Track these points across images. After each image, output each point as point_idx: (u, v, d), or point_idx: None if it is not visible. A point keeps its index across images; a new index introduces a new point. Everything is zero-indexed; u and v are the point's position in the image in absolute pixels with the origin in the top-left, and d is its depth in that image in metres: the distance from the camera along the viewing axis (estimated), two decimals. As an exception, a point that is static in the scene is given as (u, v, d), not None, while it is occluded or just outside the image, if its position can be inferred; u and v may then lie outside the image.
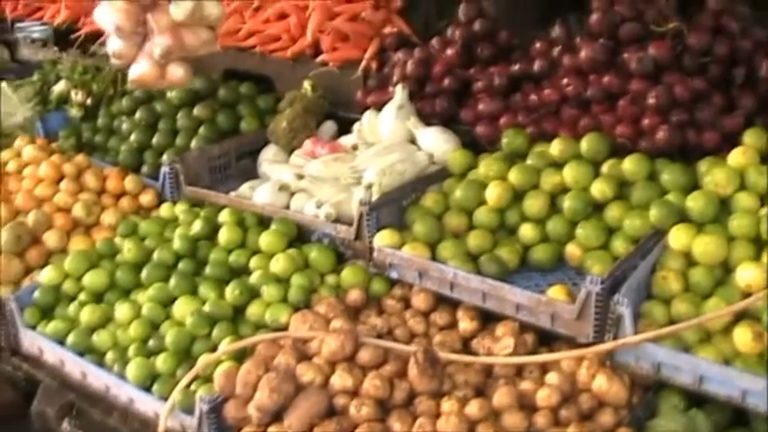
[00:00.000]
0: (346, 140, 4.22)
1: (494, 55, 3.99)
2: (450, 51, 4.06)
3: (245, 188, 4.09)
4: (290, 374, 3.04)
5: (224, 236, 3.73)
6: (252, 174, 4.35)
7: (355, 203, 3.62)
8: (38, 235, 3.96)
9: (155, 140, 4.44)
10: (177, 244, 3.72)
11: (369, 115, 4.15)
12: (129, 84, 3.28)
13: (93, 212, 4.10)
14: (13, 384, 3.94)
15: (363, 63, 4.37)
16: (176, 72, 3.26)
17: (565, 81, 3.72)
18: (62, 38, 5.87)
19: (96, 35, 5.45)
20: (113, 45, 3.26)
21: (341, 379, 3.00)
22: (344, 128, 4.41)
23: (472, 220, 3.58)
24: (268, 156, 4.33)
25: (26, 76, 5.51)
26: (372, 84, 4.35)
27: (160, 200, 4.24)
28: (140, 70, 3.27)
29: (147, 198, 4.23)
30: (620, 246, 3.32)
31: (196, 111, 4.49)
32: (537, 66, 3.84)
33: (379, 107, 4.22)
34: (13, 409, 3.95)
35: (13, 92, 4.82)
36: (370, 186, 3.61)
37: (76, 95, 4.74)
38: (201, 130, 4.40)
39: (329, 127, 4.44)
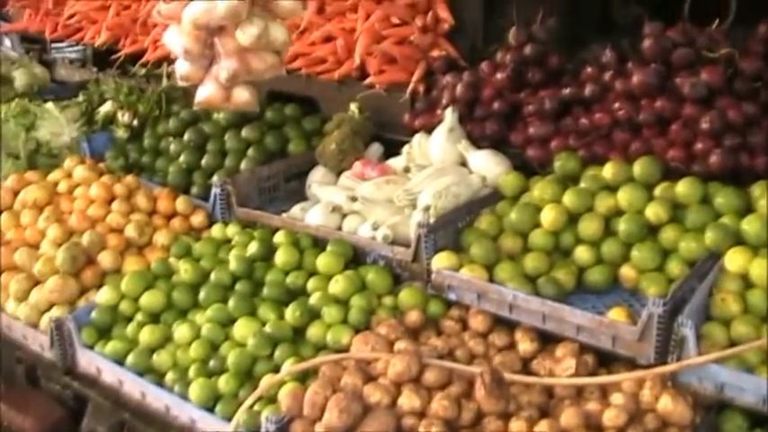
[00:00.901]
0: (395, 162, 4.26)
1: (544, 79, 4.03)
2: (500, 75, 4.10)
3: (296, 210, 4.13)
4: (357, 395, 3.06)
5: (281, 257, 3.76)
6: (300, 195, 4.39)
7: (412, 225, 3.66)
8: (92, 255, 3.98)
9: (204, 161, 4.48)
10: (234, 265, 3.75)
11: (419, 138, 4.19)
12: (196, 105, 3.33)
13: (145, 233, 4.14)
14: (61, 403, 3.95)
15: (411, 86, 4.42)
16: (242, 95, 3.31)
17: (616, 105, 3.76)
18: (100, 58, 5.93)
19: (136, 56, 5.52)
20: (181, 67, 3.31)
21: (409, 400, 3.02)
22: (391, 150, 4.45)
23: (527, 243, 3.61)
24: (317, 177, 4.37)
25: (65, 96, 5.55)
26: (420, 106, 4.39)
27: (210, 221, 4.26)
28: (207, 92, 3.32)
29: (198, 219, 4.26)
30: (674, 268, 3.35)
31: (244, 132, 4.52)
32: (588, 90, 3.88)
33: (427, 130, 4.27)
34: (62, 426, 3.97)
35: (59, 112, 4.86)
36: (427, 209, 3.64)
37: (123, 116, 4.78)
38: (250, 151, 4.44)
39: (376, 149, 4.48)
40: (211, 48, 3.27)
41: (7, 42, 6.93)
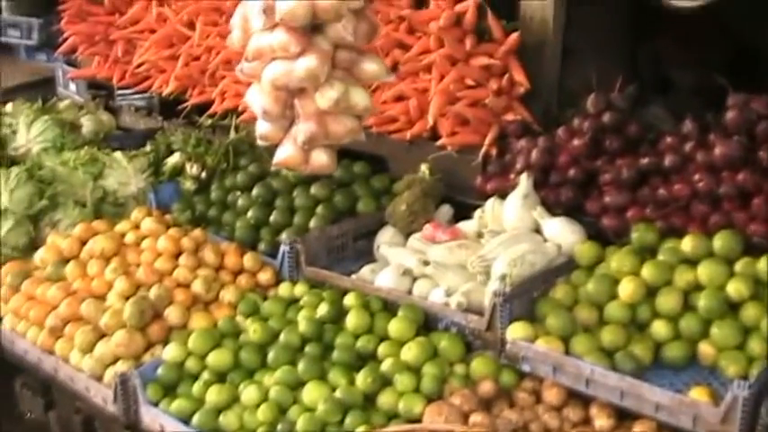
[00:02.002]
0: (466, 226, 4.20)
1: (622, 147, 3.97)
2: (577, 141, 4.04)
3: (366, 271, 4.08)
4: (432, 468, 2.99)
5: (352, 320, 3.70)
6: (368, 255, 4.35)
7: (487, 294, 3.59)
8: (159, 310, 3.95)
9: (272, 218, 4.44)
10: (303, 326, 3.71)
11: (492, 202, 4.13)
12: (273, 165, 3.32)
13: (212, 289, 4.10)
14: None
15: (484, 149, 4.37)
16: (320, 158, 3.28)
17: (696, 177, 3.69)
18: (166, 107, 5.96)
19: (203, 106, 5.53)
20: (261, 127, 3.29)
21: (487, 475, 2.95)
22: (460, 212, 4.40)
23: (603, 314, 3.53)
24: (386, 238, 4.32)
25: (131, 144, 5.57)
26: (492, 170, 4.34)
27: (278, 278, 4.22)
28: (285, 154, 3.29)
29: (265, 276, 4.22)
30: (756, 347, 3.27)
31: (313, 190, 4.49)
32: (668, 160, 3.81)
33: (499, 194, 4.21)
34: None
35: (127, 162, 4.85)
36: (504, 278, 3.58)
37: (191, 168, 4.76)
38: (319, 209, 4.40)
39: (446, 211, 4.43)
40: (291, 109, 3.24)
41: (72, 87, 6.97)
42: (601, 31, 4.98)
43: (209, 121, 5.59)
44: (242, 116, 5.26)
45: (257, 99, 3.24)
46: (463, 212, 4.40)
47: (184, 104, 5.62)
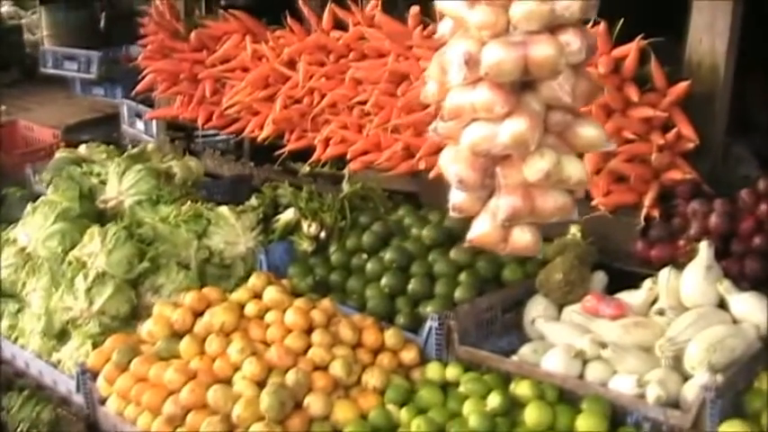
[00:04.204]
0: (631, 299, 3.72)
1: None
2: (764, 206, 3.57)
3: (527, 351, 3.61)
4: None
5: (531, 415, 3.21)
6: (515, 329, 3.91)
7: (692, 387, 3.12)
8: (298, 398, 3.45)
9: (410, 287, 3.93)
10: (474, 421, 3.22)
11: (668, 273, 3.65)
12: (467, 242, 2.83)
13: (353, 372, 3.60)
14: None
15: (644, 210, 3.90)
16: (522, 238, 2.81)
17: None
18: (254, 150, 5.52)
19: (302, 154, 5.08)
20: (455, 197, 2.83)
21: None
22: (615, 281, 3.92)
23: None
24: (539, 310, 3.84)
25: (218, 192, 5.10)
26: (656, 234, 3.88)
27: (422, 358, 3.72)
28: (481, 230, 2.83)
29: (409, 355, 3.71)
30: None
31: (453, 254, 4.00)
32: None
33: (662, 262, 3.74)
34: None
35: (236, 219, 4.36)
36: (712, 368, 3.10)
37: (309, 227, 4.27)
38: (463, 277, 3.91)
39: (600, 279, 3.96)
40: (491, 178, 2.77)
41: (140, 126, 6.50)
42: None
43: (307, 169, 5.13)
44: (350, 165, 4.78)
45: (452, 165, 2.78)
46: (618, 281, 3.92)
47: (281, 150, 5.14)
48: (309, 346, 3.71)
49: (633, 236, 3.96)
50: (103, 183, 4.80)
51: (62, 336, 4.19)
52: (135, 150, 5.18)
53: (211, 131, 5.80)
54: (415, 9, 4.55)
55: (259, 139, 5.18)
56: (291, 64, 5.08)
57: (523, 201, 2.74)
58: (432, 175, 4.43)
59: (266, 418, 3.36)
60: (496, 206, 2.77)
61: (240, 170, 5.59)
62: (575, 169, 2.75)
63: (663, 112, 3.87)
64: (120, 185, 4.66)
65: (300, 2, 5.03)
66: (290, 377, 3.49)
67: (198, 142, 5.93)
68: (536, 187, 2.74)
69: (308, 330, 3.76)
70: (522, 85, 2.67)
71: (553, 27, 2.61)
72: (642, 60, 3.97)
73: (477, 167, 2.75)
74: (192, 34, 5.58)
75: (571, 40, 2.61)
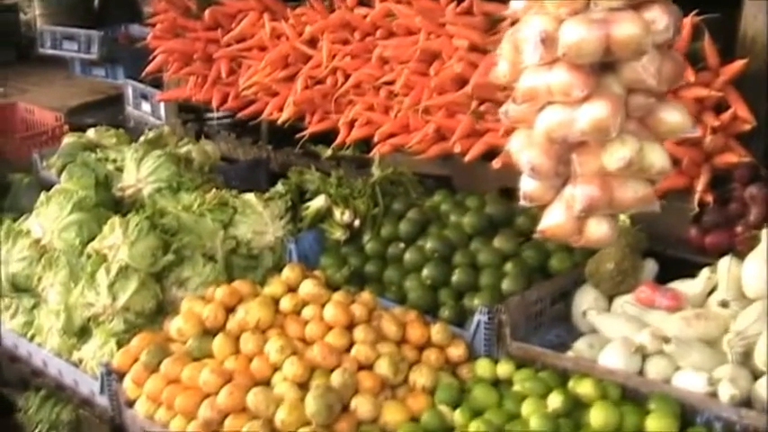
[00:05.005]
0: (687, 288, 3.53)
1: None
2: (831, 190, 3.38)
3: (582, 346, 3.41)
4: None
5: (598, 417, 3.02)
6: (562, 321, 3.73)
7: (765, 385, 2.93)
8: (345, 400, 3.25)
9: (455, 278, 3.73)
10: (536, 423, 3.02)
11: (728, 262, 3.45)
12: (537, 234, 2.63)
13: (400, 371, 3.39)
14: None
15: (697, 195, 3.71)
16: (598, 230, 2.59)
17: None
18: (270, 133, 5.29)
19: (323, 137, 4.87)
20: (526, 185, 2.61)
21: None
22: (666, 269, 3.73)
23: None
24: (589, 302, 3.65)
25: (235, 178, 4.87)
26: (711, 220, 3.69)
27: (469, 354, 3.52)
28: (553, 220, 2.61)
29: (457, 352, 3.51)
30: None
31: (497, 243, 3.79)
32: None
33: (718, 250, 3.56)
34: None
35: (263, 207, 4.13)
36: (792, 366, 2.92)
37: (342, 215, 4.04)
38: (509, 267, 3.70)
39: (651, 268, 3.76)
40: (567, 165, 2.55)
41: (146, 108, 6.25)
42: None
43: (329, 152, 4.91)
44: (377, 148, 4.56)
45: (524, 151, 2.56)
46: (668, 269, 3.72)
47: (303, 133, 4.91)
48: (351, 343, 3.50)
49: (685, 222, 3.77)
50: (119, 170, 4.56)
51: (83, 333, 3.96)
52: (152, 135, 4.92)
53: (222, 113, 5.54)
54: (447, -16, 4.33)
55: (279, 121, 4.95)
56: (313, 42, 4.86)
57: (601, 190, 2.52)
58: (468, 158, 4.23)
59: (312, 422, 3.15)
60: (572, 196, 2.55)
61: (257, 153, 5.35)
62: (657, 157, 2.54)
63: (717, 92, 3.67)
64: (139, 172, 4.42)
65: (322, -23, 4.80)
66: (336, 378, 3.29)
67: (211, 125, 5.67)
68: (615, 176, 2.53)
69: (349, 326, 3.55)
70: (602, 66, 2.45)
71: (637, 3, 2.39)
72: (694, 37, 3.76)
73: (552, 154, 2.54)
74: (206, 12, 5.32)
75: (657, 18, 2.39)
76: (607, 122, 2.42)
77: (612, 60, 2.43)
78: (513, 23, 2.55)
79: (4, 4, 9.29)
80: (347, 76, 4.69)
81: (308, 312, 3.62)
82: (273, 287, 3.75)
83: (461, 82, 4.22)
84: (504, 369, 3.39)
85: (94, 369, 3.83)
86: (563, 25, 2.39)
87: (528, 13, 2.50)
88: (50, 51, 7.93)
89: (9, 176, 5.33)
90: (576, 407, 3.12)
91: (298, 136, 4.94)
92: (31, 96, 7.41)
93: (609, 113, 2.41)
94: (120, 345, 3.78)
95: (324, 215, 4.17)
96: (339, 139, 4.76)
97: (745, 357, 3.16)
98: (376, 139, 4.56)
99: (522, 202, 2.67)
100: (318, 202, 4.17)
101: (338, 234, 4.08)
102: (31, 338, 4.19)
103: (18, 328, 4.27)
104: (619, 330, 3.45)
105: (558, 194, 2.61)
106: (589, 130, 2.44)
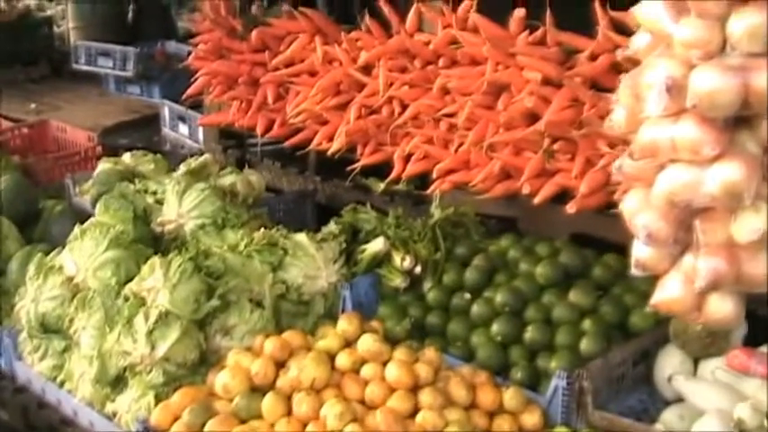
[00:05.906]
0: (777, 353, 3.20)
1: None
2: None
3: (672, 417, 3.09)
4: None
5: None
6: (642, 384, 3.41)
7: None
8: (410, 475, 2.92)
9: (527, 335, 3.39)
10: None
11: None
12: (650, 306, 2.31)
13: (476, 442, 3.07)
14: None
15: None
16: (721, 307, 2.30)
17: None
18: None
19: (377, 169, 4.54)
20: (639, 251, 2.29)
21: None
22: (755, 330, 3.39)
23: None
24: (674, 365, 3.32)
25: (280, 211, 4.58)
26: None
27: (545, 421, 3.19)
28: (669, 293, 2.33)
29: (531, 419, 3.18)
30: None
31: (573, 297, 3.46)
32: None
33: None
34: None
35: (316, 249, 3.80)
36: None
37: (403, 261, 3.72)
38: (587, 325, 3.37)
39: (740, 329, 3.40)
40: (687, 232, 2.23)
41: (183, 130, 5.96)
42: None
43: (381, 187, 4.59)
44: (436, 185, 4.24)
45: (640, 213, 2.24)
46: (761, 330, 3.39)
47: (354, 165, 4.60)
48: (416, 407, 3.17)
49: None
50: (159, 202, 4.24)
51: (117, 383, 3.64)
52: (194, 165, 4.59)
53: (266, 139, 5.23)
54: (519, 12, 3.99)
55: (330, 152, 4.63)
56: (367, 69, 4.54)
57: (728, 264, 2.21)
58: (538, 200, 3.90)
59: (379, 501, 2.82)
60: (693, 268, 2.23)
61: (302, 184, 5.04)
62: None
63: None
64: (181, 207, 4.11)
65: (381, 0, 4.47)
66: (401, 450, 2.96)
67: (254, 152, 5.36)
68: (745, 249, 2.20)
69: (413, 388, 3.22)
70: (736, 120, 2.12)
71: (780, 49, 2.07)
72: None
73: (672, 219, 2.24)
74: (253, 33, 5.02)
75: (804, 66, 2.07)
76: (740, 187, 2.10)
77: (749, 115, 2.11)
78: (634, 64, 2.23)
79: (39, 18, 9.07)
80: (404, 107, 4.37)
81: (367, 371, 3.29)
82: (329, 341, 3.43)
83: (532, 118, 3.89)
84: (586, 442, 3.06)
85: (129, 424, 3.51)
86: (694, 71, 2.09)
87: (652, 55, 2.18)
88: (85, 67, 7.71)
89: (41, 203, 5.04)
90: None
91: (348, 168, 4.61)
92: (64, 114, 7.15)
93: (743, 176, 2.10)
94: (158, 399, 3.46)
95: (381, 259, 3.85)
96: (394, 174, 4.44)
97: None
98: (435, 174, 4.23)
99: (634, 271, 2.36)
100: (377, 246, 3.85)
101: (398, 281, 3.76)
102: (61, 384, 3.87)
103: (47, 372, 3.96)
104: (711, 400, 3.12)
105: (676, 264, 2.29)
106: (719, 195, 2.12)
